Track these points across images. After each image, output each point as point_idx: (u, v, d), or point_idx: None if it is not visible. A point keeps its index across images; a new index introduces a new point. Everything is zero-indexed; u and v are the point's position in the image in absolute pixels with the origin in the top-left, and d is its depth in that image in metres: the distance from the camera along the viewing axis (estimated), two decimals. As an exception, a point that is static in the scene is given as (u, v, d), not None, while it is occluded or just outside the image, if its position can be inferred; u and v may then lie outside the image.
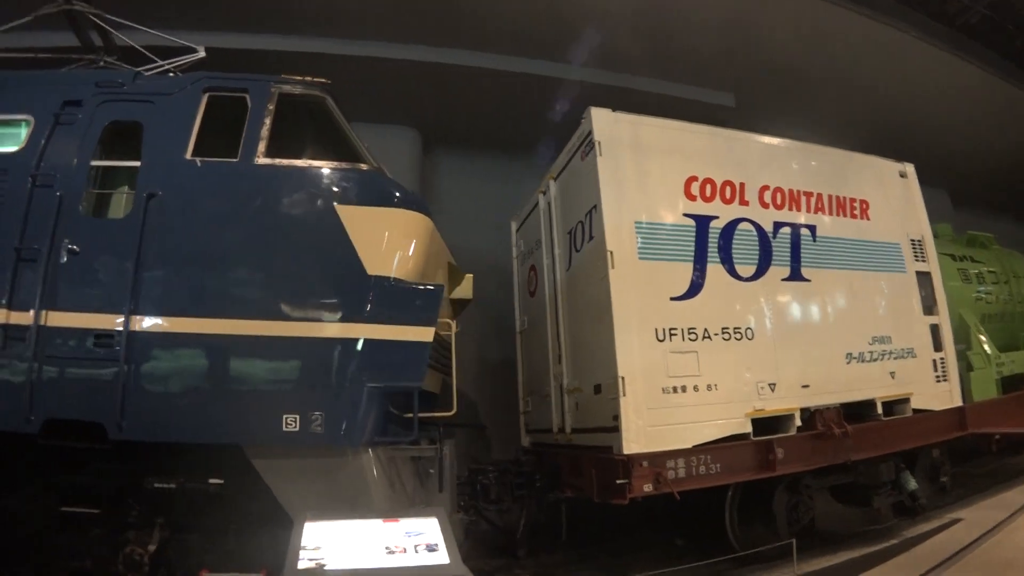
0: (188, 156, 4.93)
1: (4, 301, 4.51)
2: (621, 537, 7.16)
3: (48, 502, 4.74)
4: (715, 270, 5.97)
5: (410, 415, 4.81)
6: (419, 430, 5.46)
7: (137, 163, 4.92)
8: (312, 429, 4.44)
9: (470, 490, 6.34)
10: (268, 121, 5.05)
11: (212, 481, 4.70)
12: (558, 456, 6.57)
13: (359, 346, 4.63)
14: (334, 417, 4.49)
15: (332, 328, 4.64)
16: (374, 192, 5.01)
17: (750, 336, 5.93)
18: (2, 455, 4.66)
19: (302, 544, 3.66)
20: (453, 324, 5.47)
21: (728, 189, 6.20)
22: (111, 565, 4.56)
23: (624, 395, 5.33)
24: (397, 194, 5.07)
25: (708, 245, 5.98)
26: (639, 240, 5.78)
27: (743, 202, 6.25)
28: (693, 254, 5.92)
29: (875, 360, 6.49)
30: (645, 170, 6.00)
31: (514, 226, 8.90)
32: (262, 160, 4.94)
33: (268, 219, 4.85)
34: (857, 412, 6.33)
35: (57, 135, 4.95)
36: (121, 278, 4.57)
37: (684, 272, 5.86)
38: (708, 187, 6.13)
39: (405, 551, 3.62)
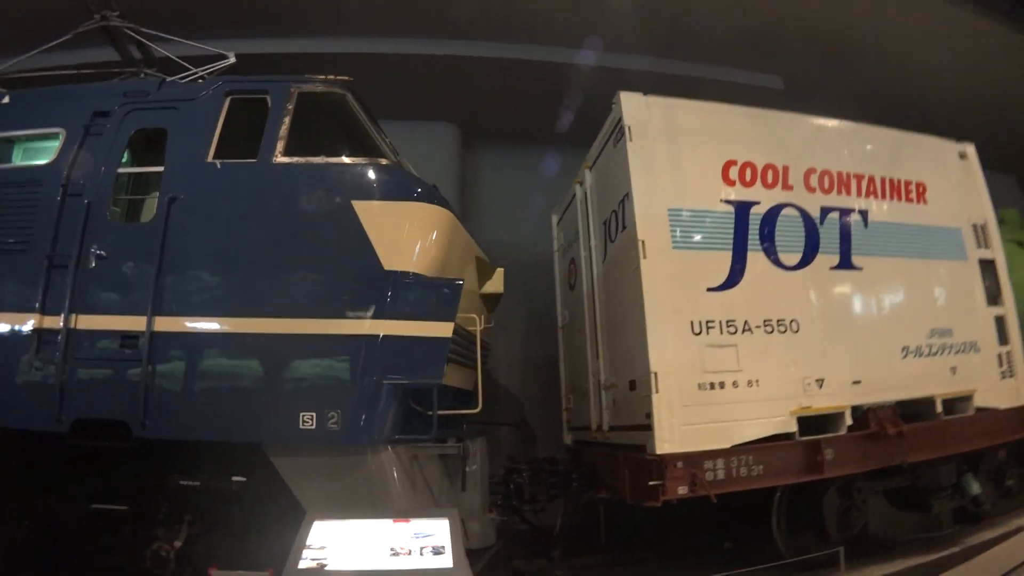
0: (209, 159, 4.98)
1: (37, 306, 4.69)
2: (666, 540, 6.86)
3: (81, 500, 4.87)
4: (756, 259, 5.60)
5: (444, 412, 4.72)
6: (451, 428, 5.38)
7: (161, 168, 5.02)
8: (329, 427, 4.41)
9: (504, 489, 6.20)
10: (287, 120, 5.04)
11: (235, 479, 4.74)
12: (595, 455, 6.35)
13: (376, 342, 4.55)
14: (351, 415, 4.44)
15: (348, 325, 4.59)
16: (391, 186, 4.94)
17: (795, 329, 5.53)
18: (38, 455, 4.83)
19: (307, 543, 3.64)
20: (478, 319, 5.30)
21: (770, 173, 5.81)
22: (141, 562, 4.64)
23: (657, 391, 5.06)
24: (414, 188, 4.99)
25: (748, 232, 5.61)
26: (673, 228, 5.49)
27: (787, 186, 5.84)
28: (732, 242, 5.57)
29: (934, 354, 5.96)
30: (679, 155, 5.69)
31: (555, 219, 8.71)
32: (280, 159, 4.94)
33: (285, 217, 4.86)
34: (914, 411, 5.83)
35: (87, 146, 5.11)
36: (145, 281, 4.68)
37: (722, 261, 5.52)
38: (748, 171, 5.75)
39: (410, 553, 3.55)
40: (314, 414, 4.42)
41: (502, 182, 10.45)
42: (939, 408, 5.88)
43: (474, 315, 5.31)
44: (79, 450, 4.60)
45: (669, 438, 5.00)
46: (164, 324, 4.59)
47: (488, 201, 10.48)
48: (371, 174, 4.97)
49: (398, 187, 4.96)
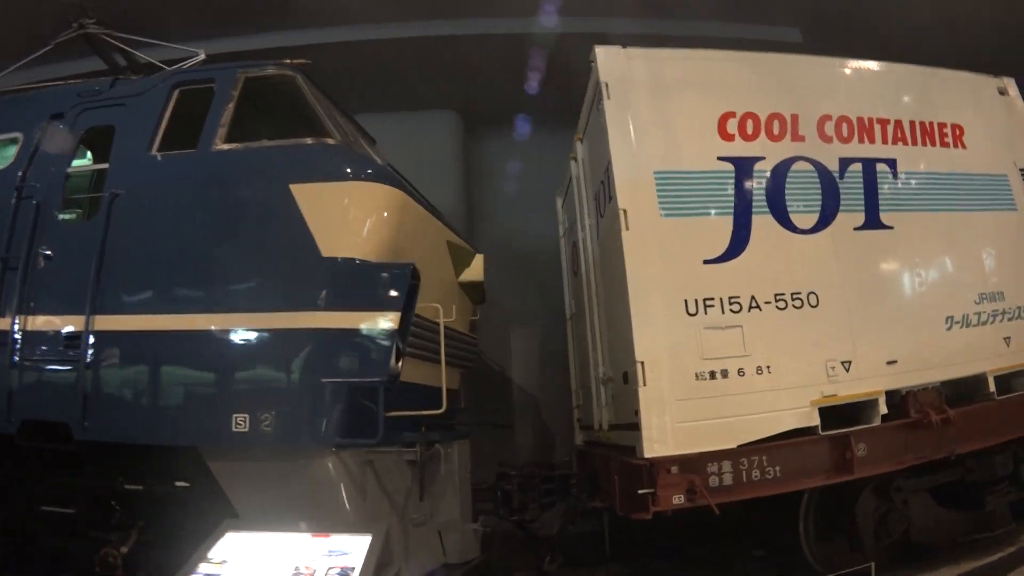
0: (152, 152, 4.64)
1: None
2: (687, 548, 6.06)
3: (33, 503, 4.64)
4: (763, 222, 4.79)
5: (397, 414, 4.19)
6: (423, 431, 4.79)
7: (106, 165, 4.72)
8: (262, 429, 3.96)
9: (492, 497, 5.56)
10: (230, 107, 4.65)
11: (178, 484, 4.37)
12: (596, 458, 5.63)
13: (311, 337, 4.07)
14: (285, 416, 3.98)
15: (280, 318, 4.12)
16: (331, 167, 4.44)
17: (813, 303, 4.68)
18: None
19: (208, 555, 3.28)
20: (442, 309, 4.68)
21: (776, 124, 4.97)
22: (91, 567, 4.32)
23: (643, 384, 4.34)
24: (357, 167, 4.47)
25: (752, 192, 4.81)
26: (661, 194, 4.74)
27: (797, 137, 4.99)
28: (732, 205, 4.78)
29: (984, 323, 4.95)
30: (668, 111, 4.96)
31: (559, 201, 8.05)
32: (219, 146, 4.53)
33: (223, 207, 4.48)
34: (962, 392, 4.89)
35: (41, 148, 4.82)
36: (85, 279, 4.37)
37: (721, 228, 4.74)
38: (749, 124, 4.94)
39: (313, 573, 3.08)
40: (247, 416, 3.98)
41: (510, 168, 9.80)
42: (991, 387, 4.89)
43: (437, 304, 4.67)
44: (34, 452, 4.39)
45: (660, 439, 4.27)
46: (101, 323, 4.31)
47: (497, 189, 9.86)
48: (310, 155, 4.49)
49: (338, 167, 4.45)
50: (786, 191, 4.85)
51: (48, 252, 4.53)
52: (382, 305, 4.13)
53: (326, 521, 4.02)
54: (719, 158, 4.84)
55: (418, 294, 4.44)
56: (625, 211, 4.67)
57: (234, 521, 3.79)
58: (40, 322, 4.46)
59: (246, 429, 3.96)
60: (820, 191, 4.93)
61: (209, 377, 4.19)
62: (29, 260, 4.53)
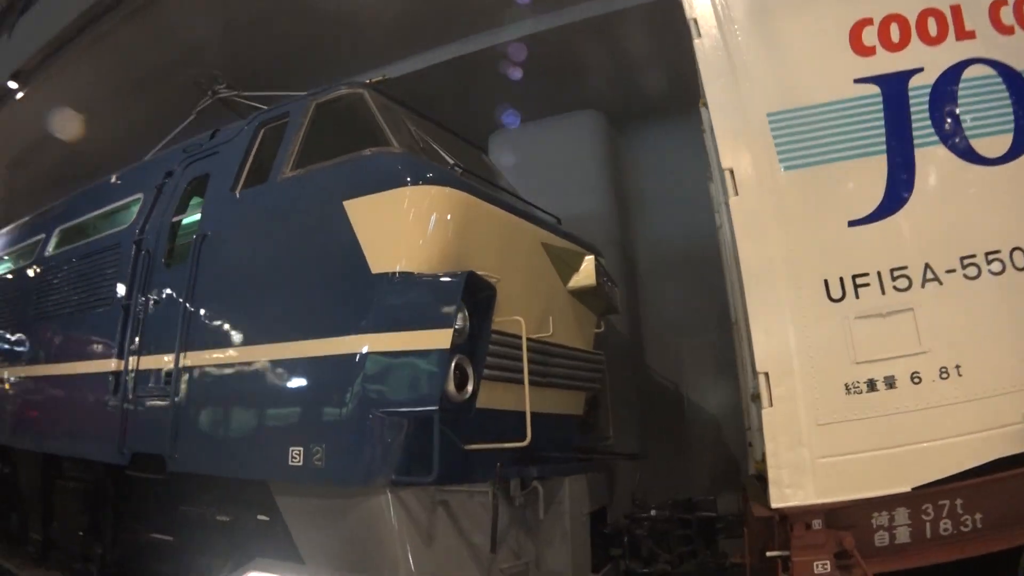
0: (234, 192, 4.77)
1: (115, 352, 5.03)
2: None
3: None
4: (931, 156, 3.31)
5: (477, 447, 3.71)
6: (521, 464, 4.14)
7: (199, 213, 4.99)
8: (313, 463, 3.66)
9: (619, 544, 4.58)
10: (301, 134, 4.59)
11: (259, 517, 4.28)
12: (745, 497, 4.35)
13: (358, 363, 3.68)
14: (335, 450, 3.64)
15: (329, 344, 3.83)
16: (380, 175, 4.08)
17: (1021, 264, 3.02)
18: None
19: None
20: (522, 322, 3.97)
21: (932, 22, 3.43)
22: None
23: (769, 404, 3.15)
24: (408, 172, 4.01)
25: (911, 118, 3.35)
26: (779, 140, 3.52)
27: (964, 34, 3.39)
28: (883, 140, 3.36)
29: None
30: (778, 34, 3.71)
31: (710, 188, 6.75)
32: (285, 175, 4.49)
33: (285, 233, 4.42)
34: None
35: (157, 203, 5.32)
36: (177, 319, 4.61)
37: (871, 173, 3.36)
38: (894, 28, 3.46)
39: None
40: (302, 449, 3.72)
41: (664, 164, 8.64)
42: None
43: (518, 318, 3.97)
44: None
45: (793, 481, 3.08)
46: (186, 360, 4.47)
47: (652, 189, 8.78)
48: (359, 168, 4.22)
49: (387, 175, 4.07)
50: (959, 108, 3.30)
51: (154, 297, 4.90)
52: (431, 322, 3.60)
53: (381, 569, 3.57)
54: (857, 80, 3.45)
55: (492, 307, 3.84)
56: (731, 171, 3.56)
57: (264, 561, 3.59)
58: (146, 362, 4.82)
59: (300, 463, 3.70)
60: (1011, 101, 3.26)
61: (267, 409, 4.08)
62: (140, 306, 4.96)
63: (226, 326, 4.41)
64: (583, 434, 5.41)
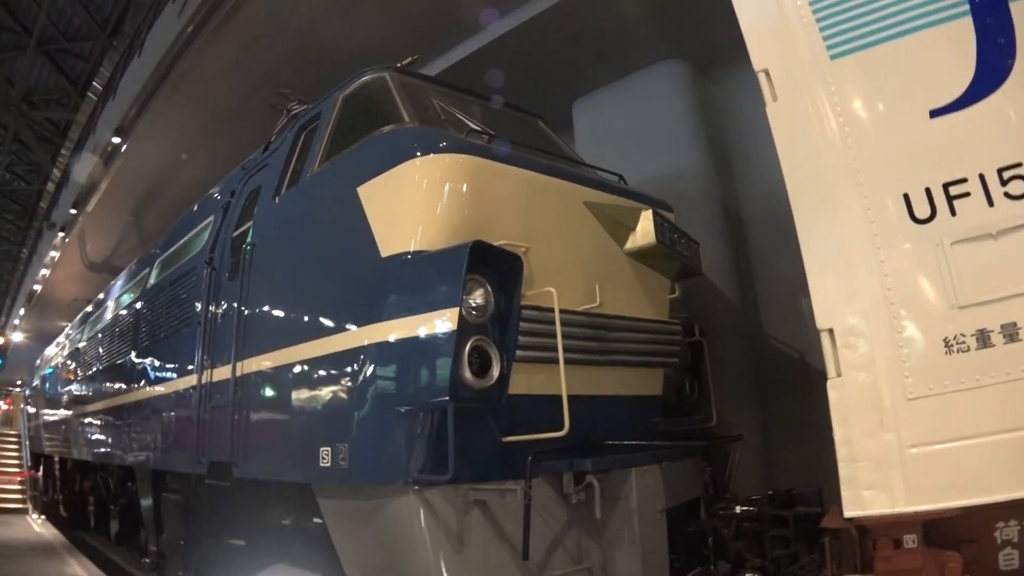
0: (275, 199, 4.81)
1: (195, 368, 5.29)
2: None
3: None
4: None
5: (513, 439, 3.38)
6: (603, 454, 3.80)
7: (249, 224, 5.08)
8: (339, 464, 3.55)
9: (704, 545, 3.93)
10: (329, 128, 4.53)
11: (315, 520, 4.24)
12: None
13: (368, 355, 3.51)
14: (356, 448, 3.52)
15: (344, 339, 3.71)
16: (387, 153, 3.87)
17: None
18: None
19: None
20: (554, 293, 3.50)
21: None
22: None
23: (836, 374, 2.42)
24: (415, 144, 3.75)
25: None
26: (823, 22, 2.73)
27: None
28: (968, -1, 2.44)
29: None
30: None
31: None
32: (313, 171, 4.46)
33: (311, 232, 4.40)
34: None
35: (224, 223, 5.51)
36: (234, 330, 4.75)
37: (950, 43, 2.47)
38: None
39: None
40: (329, 449, 3.62)
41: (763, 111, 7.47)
42: None
43: (550, 288, 3.51)
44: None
45: (874, 481, 2.33)
46: (241, 368, 4.58)
47: (752, 139, 7.66)
48: (369, 149, 4.08)
49: (393, 151, 3.84)
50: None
51: (220, 311, 5.07)
52: (436, 303, 3.29)
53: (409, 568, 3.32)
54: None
55: (519, 279, 3.44)
56: (766, 72, 2.85)
57: (283, 568, 3.61)
58: (215, 374, 4.99)
59: (329, 464, 3.60)
60: None
61: (300, 411, 4.04)
62: (210, 321, 5.16)
63: (266, 332, 4.44)
64: (668, 417, 4.77)
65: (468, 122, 4.46)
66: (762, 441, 6.35)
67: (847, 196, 2.51)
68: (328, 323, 3.88)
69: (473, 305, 3.36)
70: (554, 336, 3.47)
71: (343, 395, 3.67)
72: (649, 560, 3.70)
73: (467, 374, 3.22)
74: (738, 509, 3.87)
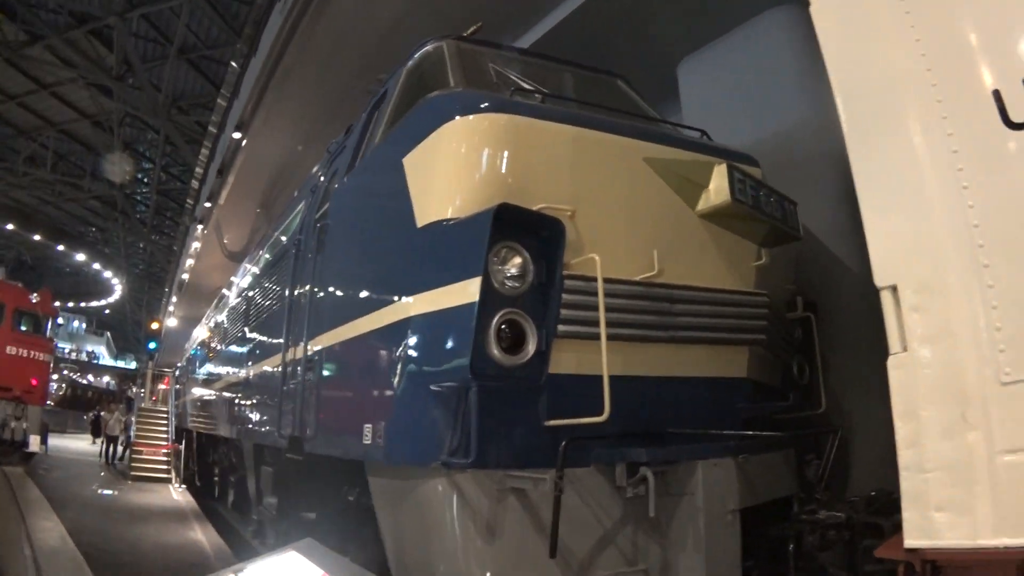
0: (344, 178, 4.94)
1: (280, 346, 5.55)
2: None
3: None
4: None
5: (556, 423, 3.15)
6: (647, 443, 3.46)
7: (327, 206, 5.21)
8: (376, 442, 3.56)
9: (785, 553, 3.43)
10: (391, 106, 4.55)
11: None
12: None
13: (398, 331, 3.48)
14: (390, 426, 3.49)
15: (378, 316, 3.71)
16: (426, 120, 3.79)
17: None
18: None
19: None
20: (597, 260, 3.20)
21: None
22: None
23: (901, 348, 1.95)
24: (446, 109, 3.65)
25: None
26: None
27: None
28: None
29: None
30: None
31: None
32: (372, 147, 4.55)
33: (365, 208, 4.48)
34: None
35: (310, 207, 5.65)
36: (307, 309, 4.97)
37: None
38: None
39: None
40: (370, 427, 3.63)
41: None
42: None
43: (594, 256, 3.21)
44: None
45: (949, 500, 1.82)
46: (311, 346, 4.73)
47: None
48: (412, 118, 4.04)
49: (431, 117, 3.75)
50: None
51: (300, 291, 5.23)
52: (461, 272, 3.13)
53: (438, 564, 3.16)
54: None
55: (561, 246, 3.20)
56: None
57: (311, 543, 3.57)
58: (294, 352, 5.17)
59: (370, 441, 3.61)
60: None
61: (347, 388, 4.19)
62: (294, 301, 5.35)
63: (327, 311, 4.55)
64: (763, 403, 4.24)
65: (523, 83, 4.23)
66: (885, 432, 5.56)
67: (912, 102, 1.96)
68: (370, 300, 3.88)
69: (508, 275, 3.16)
70: (610, 309, 3.18)
71: (380, 373, 3.67)
72: (717, 567, 3.31)
73: (494, 350, 3.02)
74: (823, 514, 3.33)
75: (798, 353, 4.62)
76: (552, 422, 3.17)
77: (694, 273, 3.82)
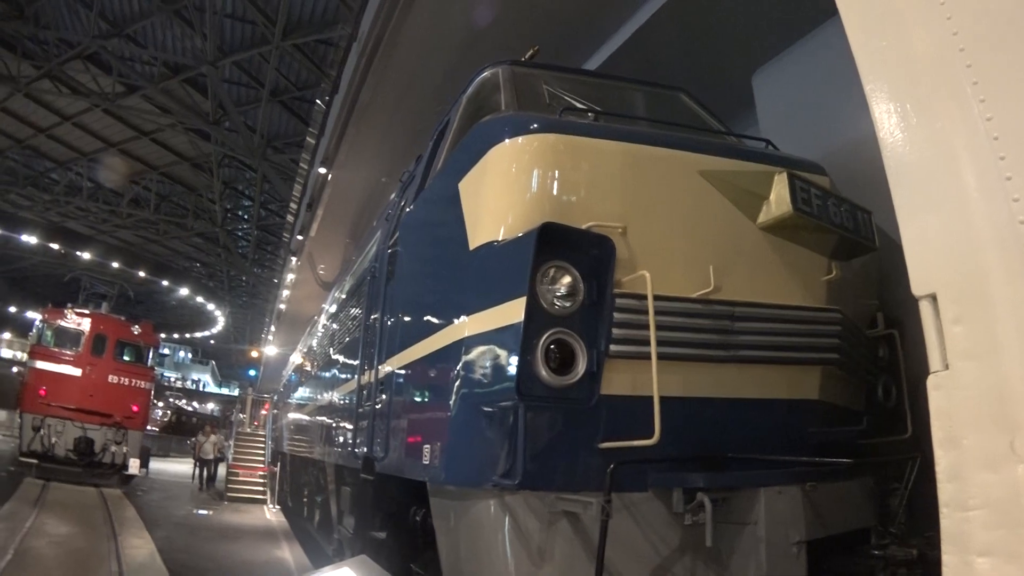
0: (411, 206, 5.16)
1: (357, 370, 5.88)
2: None
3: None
4: None
5: (609, 445, 3.14)
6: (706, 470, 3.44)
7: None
8: (434, 462, 3.68)
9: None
10: (453, 130, 4.75)
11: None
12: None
13: (451, 353, 3.62)
14: (445, 447, 3.59)
15: (435, 340, 3.88)
16: (478, 144, 3.93)
17: None
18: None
19: None
20: (647, 277, 3.20)
21: None
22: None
23: (943, 366, 1.75)
24: (495, 132, 3.79)
25: None
26: None
27: None
28: None
29: None
30: None
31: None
32: (435, 173, 4.76)
33: (426, 234, 4.69)
34: None
35: (384, 235, 5.86)
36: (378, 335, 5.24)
37: None
38: None
39: None
40: (429, 447, 3.78)
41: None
42: None
43: (643, 272, 3.20)
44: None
45: (994, 543, 1.57)
46: (382, 368, 4.97)
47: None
48: (466, 144, 4.19)
49: (481, 140, 3.92)
50: None
51: (372, 318, 5.48)
52: (507, 293, 3.22)
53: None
54: None
55: (611, 264, 3.24)
56: None
57: (364, 560, 3.80)
58: (368, 375, 5.41)
59: (428, 461, 3.75)
60: None
61: (409, 410, 4.29)
62: (368, 326, 5.62)
63: (395, 336, 4.75)
64: (837, 427, 4.01)
65: (576, 103, 4.29)
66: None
67: (946, 84, 1.82)
68: (431, 323, 4.02)
69: (557, 294, 3.19)
70: (663, 327, 3.16)
71: (438, 394, 3.78)
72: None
73: (542, 371, 3.05)
74: (895, 549, 3.09)
75: (883, 373, 4.35)
76: (605, 444, 3.14)
77: (758, 289, 3.71)
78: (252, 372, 31.59)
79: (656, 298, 3.15)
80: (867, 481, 3.80)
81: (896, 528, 3.50)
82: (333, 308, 8.91)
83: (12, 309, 44.99)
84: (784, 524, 3.23)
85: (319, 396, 9.06)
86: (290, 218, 21.85)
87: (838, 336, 3.87)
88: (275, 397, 20.97)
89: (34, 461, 16.44)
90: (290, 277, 21.04)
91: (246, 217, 36.18)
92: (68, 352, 18.24)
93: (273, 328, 27.40)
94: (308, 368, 11.21)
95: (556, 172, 3.46)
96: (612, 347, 3.21)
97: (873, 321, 4.45)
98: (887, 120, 1.91)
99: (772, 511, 3.22)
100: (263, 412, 26.14)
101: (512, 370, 3.03)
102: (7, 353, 44.70)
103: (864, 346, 4.28)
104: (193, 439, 20.88)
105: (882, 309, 4.52)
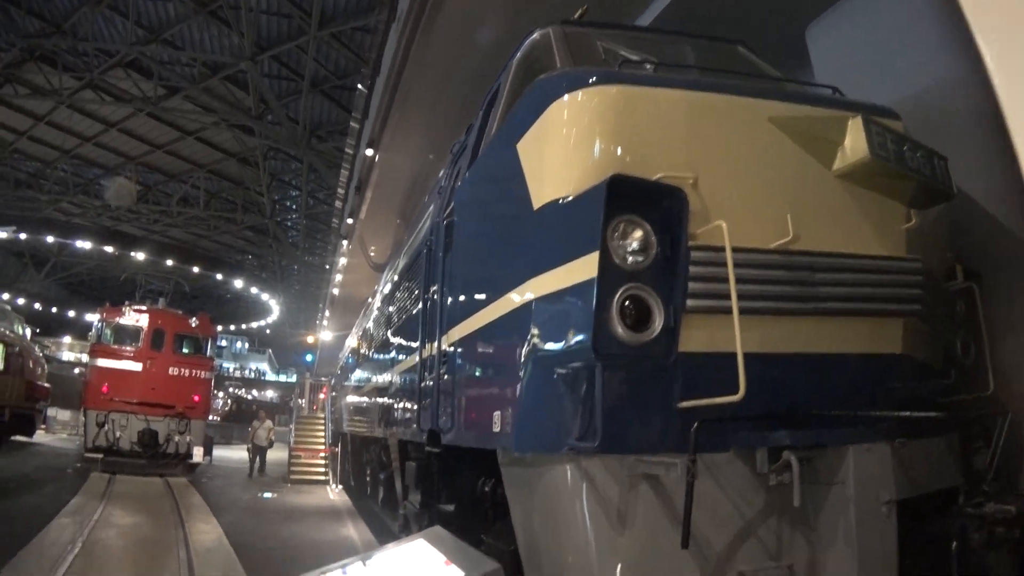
0: (465, 174, 5.11)
1: (418, 344, 5.82)
2: None
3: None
4: None
5: (689, 404, 3.01)
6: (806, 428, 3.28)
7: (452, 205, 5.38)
8: (505, 429, 3.63)
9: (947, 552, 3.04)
10: (505, 95, 4.67)
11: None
12: None
13: (521, 315, 3.55)
14: (517, 413, 3.52)
15: (502, 304, 3.80)
16: (535, 102, 3.82)
17: None
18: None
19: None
20: (724, 227, 3.06)
21: None
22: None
23: None
24: (554, 87, 3.64)
25: None
26: None
27: None
28: None
29: None
30: None
31: None
32: (489, 140, 4.68)
33: (486, 199, 4.61)
34: None
35: (437, 207, 5.85)
36: (439, 305, 5.20)
37: None
38: None
39: None
40: (499, 413, 3.72)
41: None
42: None
43: (720, 222, 3.07)
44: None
45: None
46: (444, 340, 4.93)
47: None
48: (522, 104, 4.07)
49: (539, 98, 3.78)
50: None
51: (432, 291, 5.47)
52: (578, 249, 3.13)
53: (566, 555, 3.12)
54: None
55: (685, 216, 3.11)
56: None
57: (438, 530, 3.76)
58: (430, 349, 5.39)
59: (499, 429, 3.70)
60: None
61: (477, 378, 4.28)
62: (427, 299, 5.61)
63: (457, 305, 4.70)
64: (922, 382, 3.81)
65: (633, 57, 4.14)
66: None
67: None
68: (495, 290, 3.95)
69: (629, 249, 3.08)
70: (743, 280, 3.04)
71: (506, 360, 3.71)
72: (870, 564, 3.02)
73: (618, 328, 2.95)
74: (990, 507, 2.91)
75: (961, 328, 4.11)
76: (684, 403, 3.04)
77: (836, 239, 3.52)
78: (308, 357, 32.39)
79: (733, 250, 3.01)
80: (953, 439, 3.61)
81: (988, 486, 3.31)
82: (388, 288, 8.96)
83: (71, 314, 46.48)
84: (874, 483, 3.10)
85: (378, 375, 9.16)
86: (338, 203, 22.08)
87: (920, 287, 3.66)
88: (332, 380, 21.40)
89: (99, 456, 16.92)
90: (342, 261, 21.32)
91: (294, 207, 36.79)
92: (128, 348, 18.77)
93: (327, 313, 27.92)
94: (365, 349, 11.35)
95: (620, 124, 3.34)
96: (689, 302, 3.09)
97: (950, 273, 4.20)
98: (1004, 69, 1.72)
99: (861, 469, 3.09)
100: (321, 396, 26.74)
101: (587, 329, 2.94)
102: (69, 356, 46.40)
103: (943, 299, 4.05)
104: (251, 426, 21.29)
105: (960, 261, 4.27)
